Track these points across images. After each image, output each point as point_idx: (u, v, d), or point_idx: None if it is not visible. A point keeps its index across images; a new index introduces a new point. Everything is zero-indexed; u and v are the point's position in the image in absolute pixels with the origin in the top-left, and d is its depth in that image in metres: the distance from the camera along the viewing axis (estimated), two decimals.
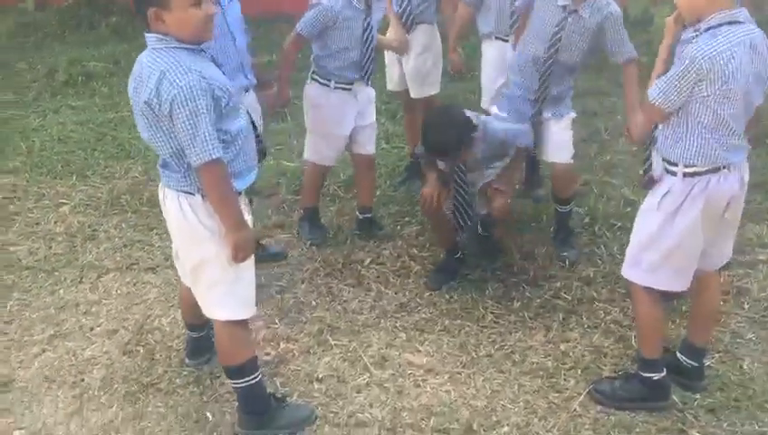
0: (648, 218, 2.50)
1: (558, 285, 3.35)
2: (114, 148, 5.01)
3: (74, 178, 4.60)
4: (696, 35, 2.27)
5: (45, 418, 2.67)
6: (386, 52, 4.06)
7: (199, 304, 2.50)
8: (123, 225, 4.00)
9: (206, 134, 2.16)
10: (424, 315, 3.18)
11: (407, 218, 3.95)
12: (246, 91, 3.23)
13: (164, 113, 2.16)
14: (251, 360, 2.54)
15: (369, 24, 3.39)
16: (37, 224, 4.08)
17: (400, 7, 3.81)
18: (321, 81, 3.48)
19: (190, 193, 2.32)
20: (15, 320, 3.24)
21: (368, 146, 3.67)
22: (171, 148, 2.24)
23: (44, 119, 5.71)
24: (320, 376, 2.82)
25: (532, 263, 3.52)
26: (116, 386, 2.82)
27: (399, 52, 3.87)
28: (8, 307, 3.32)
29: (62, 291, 3.45)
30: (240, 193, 2.39)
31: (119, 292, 3.43)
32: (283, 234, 3.89)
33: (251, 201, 2.53)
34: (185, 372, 2.88)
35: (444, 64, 4.17)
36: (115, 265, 3.65)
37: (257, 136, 2.54)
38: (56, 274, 3.59)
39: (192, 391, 2.79)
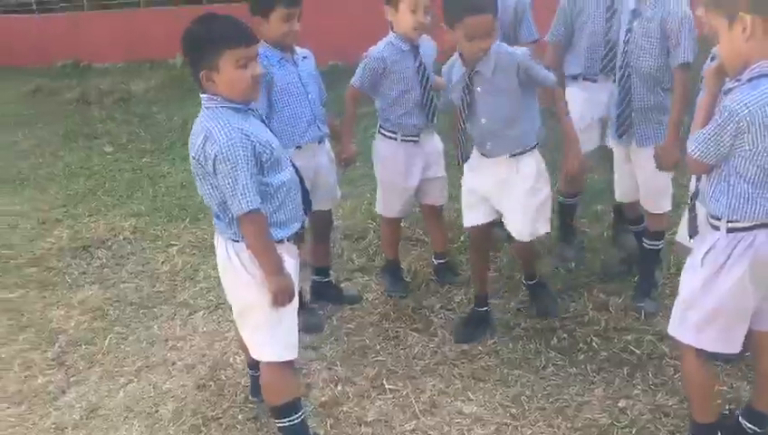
0: (692, 276, 2.36)
1: (629, 338, 3.20)
2: None
3: (187, 221, 5.00)
4: (736, 86, 2.16)
5: None
6: None
7: (247, 345, 2.66)
8: None
9: (245, 187, 2.33)
10: (483, 363, 3.16)
11: None
12: (320, 141, 3.42)
13: (209, 169, 2.36)
14: (294, 400, 2.66)
15: (420, 63, 3.42)
16: (147, 263, 4.47)
17: None
18: (388, 134, 3.56)
19: (235, 241, 2.49)
20: (112, 352, 3.56)
21: (437, 198, 3.72)
22: (217, 199, 2.43)
23: (173, 166, 6.27)
24: (369, 420, 2.88)
25: (606, 313, 3.39)
26: (184, 418, 3.03)
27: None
28: (107, 340, 3.66)
29: (156, 327, 3.75)
30: (283, 241, 2.53)
31: (204, 329, 3.68)
32: (363, 277, 4.02)
33: (299, 246, 2.66)
34: (246, 408, 3.04)
35: None
36: (206, 303, 3.92)
37: (304, 189, 2.68)
38: (154, 310, 3.92)
39: (250, 427, 2.93)
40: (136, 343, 3.61)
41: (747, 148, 2.13)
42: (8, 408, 3.20)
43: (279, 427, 2.68)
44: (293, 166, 2.63)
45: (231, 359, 3.40)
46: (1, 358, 3.59)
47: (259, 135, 2.42)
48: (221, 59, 2.33)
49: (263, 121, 2.56)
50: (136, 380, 3.33)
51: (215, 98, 2.41)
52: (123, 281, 4.28)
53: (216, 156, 2.32)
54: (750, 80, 2.13)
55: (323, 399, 3.03)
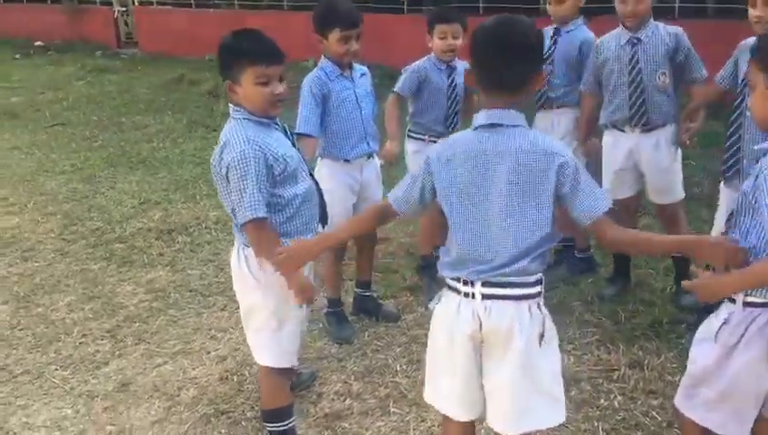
0: (705, 349, 2.19)
1: (654, 402, 3.01)
2: None
3: None
4: None
5: (135, 420, 3.12)
6: None
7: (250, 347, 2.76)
8: None
9: (252, 196, 2.43)
10: None
11: None
12: (369, 157, 3.49)
13: (223, 175, 2.48)
14: (287, 407, 2.74)
15: (453, 81, 3.79)
16: (218, 254, 4.71)
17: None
18: (416, 136, 3.90)
19: (246, 245, 2.60)
20: (159, 333, 3.79)
21: None
22: (231, 206, 2.54)
23: None
24: None
25: (639, 372, 3.21)
26: (199, 406, 3.18)
27: None
28: (158, 321, 3.90)
29: (205, 314, 3.96)
30: None
31: None
32: (409, 296, 4.02)
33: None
34: (257, 407, 3.14)
35: None
36: None
37: (322, 203, 2.74)
38: (209, 299, 4.13)
39: (254, 426, 3.04)
40: (182, 328, 3.83)
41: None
42: (56, 370, 3.50)
43: (269, 430, 2.76)
44: (314, 181, 2.70)
45: None
46: (65, 323, 3.93)
47: (276, 149, 2.51)
48: (242, 74, 2.45)
49: (286, 135, 2.65)
50: (171, 362, 3.53)
51: (239, 109, 2.53)
52: (192, 267, 4.54)
53: (229, 164, 2.44)
54: None
55: (328, 411, 3.08)
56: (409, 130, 3.96)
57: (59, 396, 3.29)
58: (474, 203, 2.05)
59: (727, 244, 2.05)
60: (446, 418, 2.29)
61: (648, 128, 3.55)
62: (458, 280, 2.09)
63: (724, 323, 2.12)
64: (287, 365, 2.69)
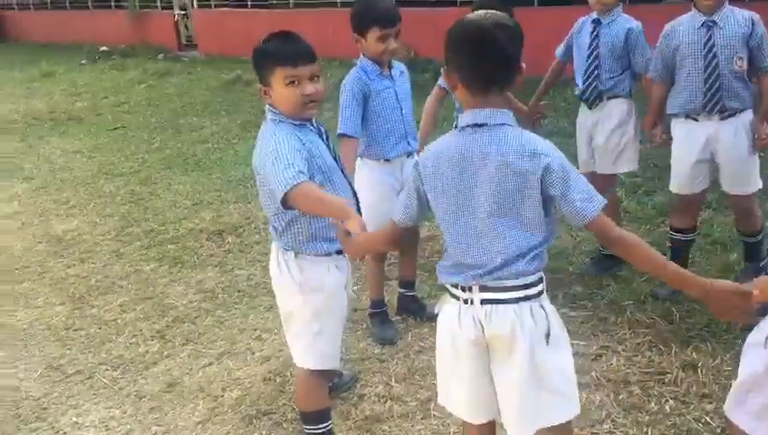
0: (754, 356, 2.07)
1: (708, 407, 2.87)
2: None
3: None
4: None
5: (180, 420, 3.16)
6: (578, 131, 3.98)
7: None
8: None
9: (291, 163, 2.31)
10: None
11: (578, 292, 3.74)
12: (409, 155, 3.45)
13: (259, 172, 2.47)
14: (324, 410, 2.73)
15: None
16: (267, 254, 4.69)
17: (585, 83, 3.68)
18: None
19: (286, 250, 2.59)
20: (206, 333, 3.84)
21: None
22: (273, 209, 2.51)
23: None
24: None
25: (693, 375, 3.07)
26: (243, 407, 3.20)
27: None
28: (206, 321, 3.95)
29: (252, 315, 3.99)
30: (331, 254, 2.58)
31: None
32: None
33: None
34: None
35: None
36: None
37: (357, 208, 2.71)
38: (256, 299, 4.16)
39: (295, 428, 3.03)
40: (228, 329, 3.86)
41: None
42: (106, 370, 3.58)
43: (307, 432, 2.75)
44: (351, 188, 2.68)
45: None
46: (117, 324, 4.02)
47: (313, 147, 2.49)
48: (272, 76, 2.44)
49: (321, 137, 2.62)
50: (216, 363, 3.56)
51: (275, 110, 2.51)
52: (240, 268, 4.58)
53: (266, 154, 2.40)
54: None
55: (368, 413, 3.04)
56: (455, 126, 3.86)
57: (108, 396, 3.37)
58: (463, 206, 2.00)
59: (735, 299, 1.93)
60: (464, 420, 2.24)
61: (725, 115, 3.41)
62: (456, 286, 2.05)
63: None
64: (328, 367, 2.68)
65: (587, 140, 3.88)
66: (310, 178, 2.38)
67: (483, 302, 2.00)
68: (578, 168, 4.12)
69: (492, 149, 1.94)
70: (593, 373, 3.16)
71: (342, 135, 3.26)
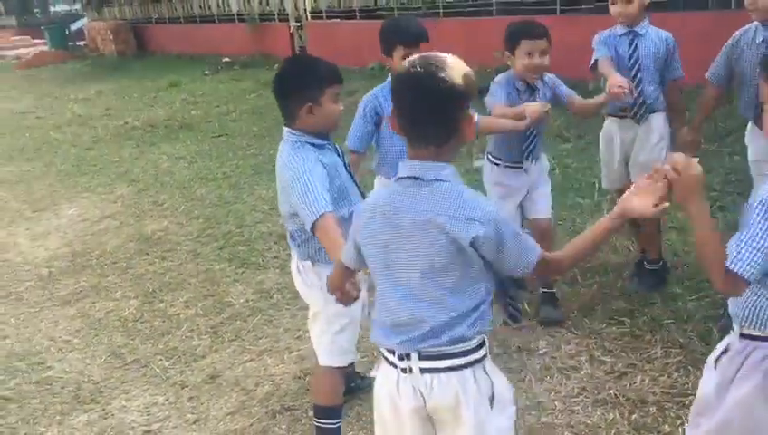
0: (707, 377, 2.08)
1: None
2: None
3: None
4: None
5: (213, 410, 3.40)
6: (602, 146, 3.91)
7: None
8: None
9: (319, 194, 2.47)
10: (549, 419, 2.98)
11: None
12: None
13: (285, 189, 2.63)
14: (337, 406, 2.91)
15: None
16: None
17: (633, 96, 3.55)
18: (494, 160, 3.74)
19: (304, 260, 2.79)
20: (254, 331, 4.08)
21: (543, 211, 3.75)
22: (293, 224, 2.72)
23: None
24: None
25: None
26: (270, 402, 3.40)
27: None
28: (256, 320, 4.19)
29: (299, 316, 4.17)
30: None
31: None
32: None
33: None
34: None
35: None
36: None
37: None
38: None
39: (312, 424, 3.17)
40: (275, 328, 4.09)
41: None
42: (160, 360, 3.89)
43: (316, 426, 2.91)
44: (363, 195, 2.80)
45: None
46: (179, 318, 4.34)
47: (332, 169, 2.64)
48: (323, 95, 2.62)
49: (338, 155, 2.77)
50: (257, 359, 3.78)
51: (296, 133, 2.66)
52: None
53: (291, 177, 2.56)
54: None
55: None
56: (488, 153, 3.79)
57: (156, 384, 3.66)
58: (395, 264, 1.88)
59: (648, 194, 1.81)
60: None
61: None
62: (393, 353, 1.92)
63: (723, 353, 1.97)
64: (347, 363, 2.88)
65: (620, 156, 3.79)
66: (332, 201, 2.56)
67: (423, 371, 1.88)
68: (603, 183, 4.06)
69: (424, 206, 1.81)
70: (612, 391, 3.11)
71: (349, 148, 3.41)
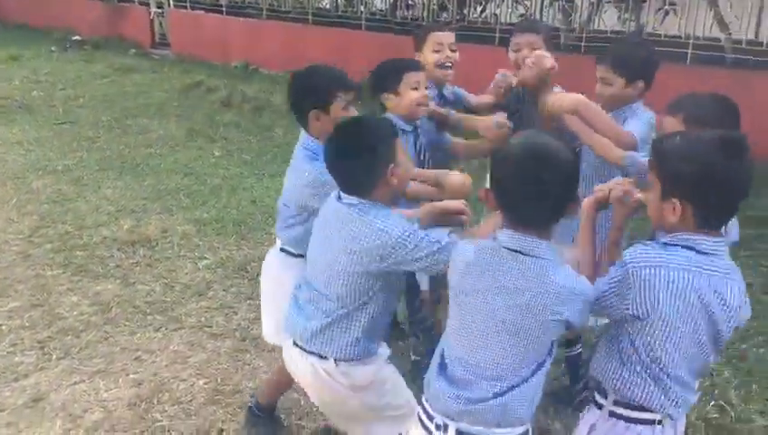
0: None
1: None
2: None
3: (233, 238, 5.22)
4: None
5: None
6: None
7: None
8: None
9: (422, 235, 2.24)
10: None
11: None
12: None
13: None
14: None
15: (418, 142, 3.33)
16: (172, 271, 4.69)
17: None
18: None
19: (322, 357, 2.40)
20: (87, 349, 3.78)
21: None
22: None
23: (259, 180, 6.52)
24: None
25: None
26: (98, 432, 3.16)
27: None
28: (90, 336, 3.89)
29: (138, 334, 3.94)
30: None
31: (174, 347, 3.82)
32: None
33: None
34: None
35: None
36: (194, 322, 4.06)
37: None
38: (149, 317, 4.12)
39: None
40: (110, 346, 3.82)
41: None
42: None
43: None
44: None
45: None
46: (1, 329, 3.95)
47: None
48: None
49: None
50: (87, 381, 3.52)
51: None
52: (143, 283, 4.53)
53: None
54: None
55: None
56: None
57: None
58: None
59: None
60: None
61: None
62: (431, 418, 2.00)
63: (590, 432, 2.02)
64: None
65: None
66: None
67: None
68: None
69: (525, 283, 1.83)
70: None
71: None
